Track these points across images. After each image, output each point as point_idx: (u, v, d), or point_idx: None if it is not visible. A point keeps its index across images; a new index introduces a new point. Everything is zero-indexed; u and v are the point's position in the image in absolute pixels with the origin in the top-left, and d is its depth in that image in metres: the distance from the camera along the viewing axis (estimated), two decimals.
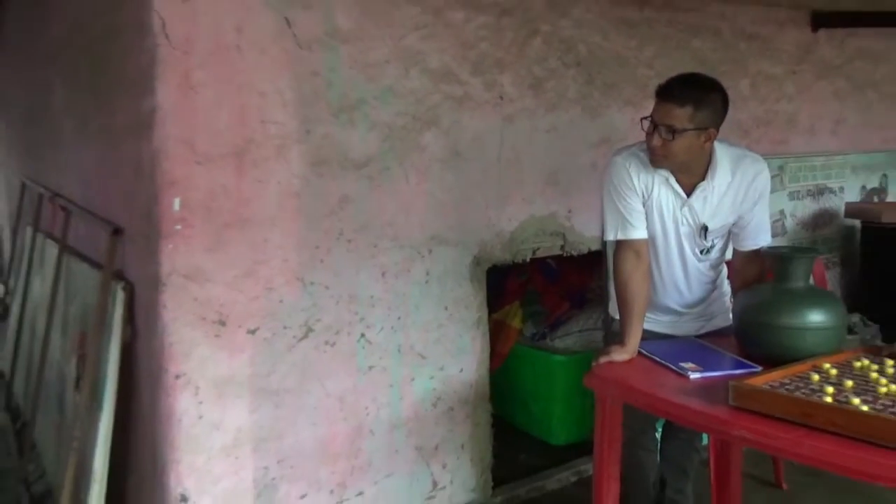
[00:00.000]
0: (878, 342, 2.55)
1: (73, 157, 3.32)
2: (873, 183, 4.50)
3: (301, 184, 2.38)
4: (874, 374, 1.79)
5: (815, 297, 2.04)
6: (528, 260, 2.99)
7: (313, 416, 2.47)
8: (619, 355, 2.11)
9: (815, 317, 1.97)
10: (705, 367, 1.99)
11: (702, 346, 2.24)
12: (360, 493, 2.59)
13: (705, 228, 2.23)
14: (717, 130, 2.10)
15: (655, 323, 2.34)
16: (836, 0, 3.25)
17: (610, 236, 2.24)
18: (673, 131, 2.03)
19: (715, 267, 2.36)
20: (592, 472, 2.19)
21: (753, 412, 1.66)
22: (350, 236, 2.50)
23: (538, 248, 2.99)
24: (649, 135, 2.09)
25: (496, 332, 3.41)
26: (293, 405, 2.42)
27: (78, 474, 2.41)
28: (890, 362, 1.87)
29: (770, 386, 1.73)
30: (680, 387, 1.89)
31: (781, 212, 3.98)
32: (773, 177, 3.74)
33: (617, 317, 2.35)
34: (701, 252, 2.29)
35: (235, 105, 2.24)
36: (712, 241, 2.28)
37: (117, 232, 2.50)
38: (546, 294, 3.79)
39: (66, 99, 3.38)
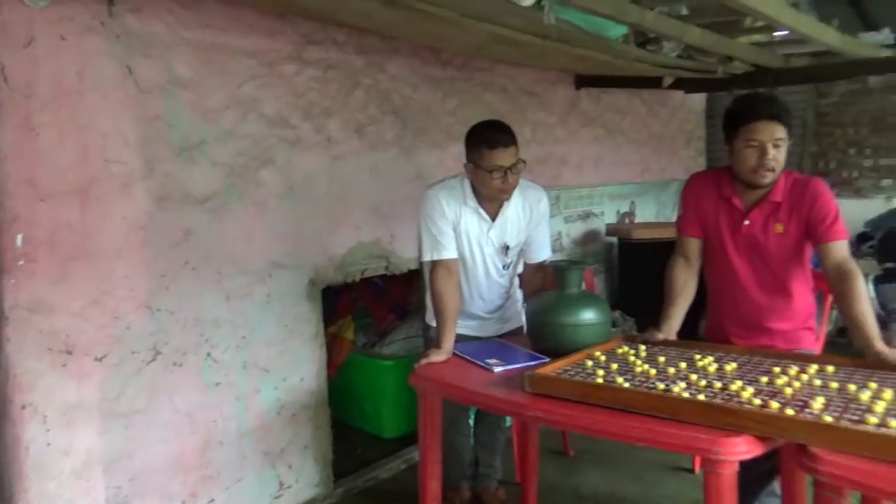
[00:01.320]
0: (634, 332, 2.84)
1: None
2: (625, 208, 4.87)
3: (146, 218, 2.23)
4: (632, 358, 1.94)
5: (587, 299, 2.17)
6: (357, 280, 3.01)
7: (163, 433, 2.31)
8: (437, 357, 2.17)
9: (588, 315, 2.10)
10: (506, 361, 2.07)
11: (502, 344, 2.34)
12: (212, 500, 2.45)
13: (507, 247, 2.38)
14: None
15: (465, 328, 2.43)
16: (592, 67, 3.57)
17: (426, 257, 2.32)
18: (522, 164, 2.22)
19: (511, 279, 2.52)
20: (419, 458, 2.24)
21: (545, 395, 1.74)
22: (195, 264, 2.38)
23: (366, 269, 3.01)
24: (501, 178, 2.19)
25: (332, 343, 3.38)
26: (143, 424, 2.25)
27: None
28: (643, 347, 2.05)
29: (556, 373, 1.82)
30: (487, 379, 1.96)
31: (559, 232, 4.22)
32: (551, 204, 4.04)
33: (433, 324, 2.42)
34: (503, 267, 2.42)
35: (78, 145, 2.06)
36: (512, 257, 2.43)
37: None
38: (374, 308, 3.81)
39: None
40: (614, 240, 4.60)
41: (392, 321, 3.73)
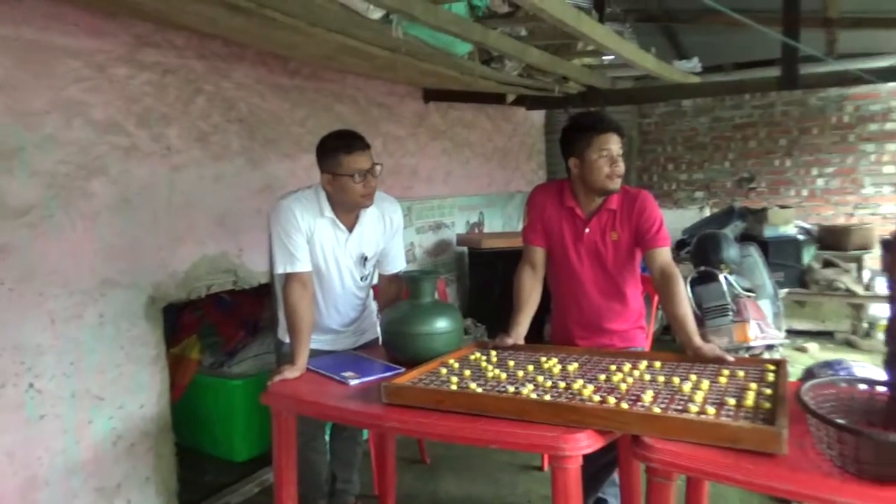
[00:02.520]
0: (485, 339, 2.93)
1: None
2: (474, 219, 5.02)
3: None
4: (484, 363, 2.01)
5: (440, 308, 2.21)
6: (203, 296, 2.84)
7: None
8: (291, 373, 2.11)
9: (441, 324, 2.14)
10: (362, 374, 2.05)
11: (358, 357, 2.32)
12: None
13: (365, 258, 2.36)
14: None
15: (319, 342, 2.37)
16: (440, 81, 3.67)
17: (279, 270, 2.24)
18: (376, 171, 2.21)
19: (367, 291, 2.50)
20: (273, 479, 2.15)
21: (401, 405, 1.75)
22: (12, 285, 2.13)
23: (212, 285, 2.86)
24: (363, 181, 2.17)
25: (175, 365, 3.15)
26: None
27: None
28: (494, 353, 2.12)
29: (411, 383, 1.84)
30: (343, 393, 1.94)
31: (412, 243, 4.26)
32: (404, 215, 4.09)
33: (286, 340, 2.35)
34: (361, 279, 2.40)
35: None
36: (370, 269, 2.42)
37: None
38: (222, 325, 3.62)
39: None
40: (465, 249, 4.71)
41: (242, 338, 3.57)
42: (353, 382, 2.00)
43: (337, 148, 2.19)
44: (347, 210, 2.28)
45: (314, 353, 2.27)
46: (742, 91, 5.79)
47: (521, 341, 2.23)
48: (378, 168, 2.22)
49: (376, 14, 2.27)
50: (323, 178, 2.23)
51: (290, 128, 3.29)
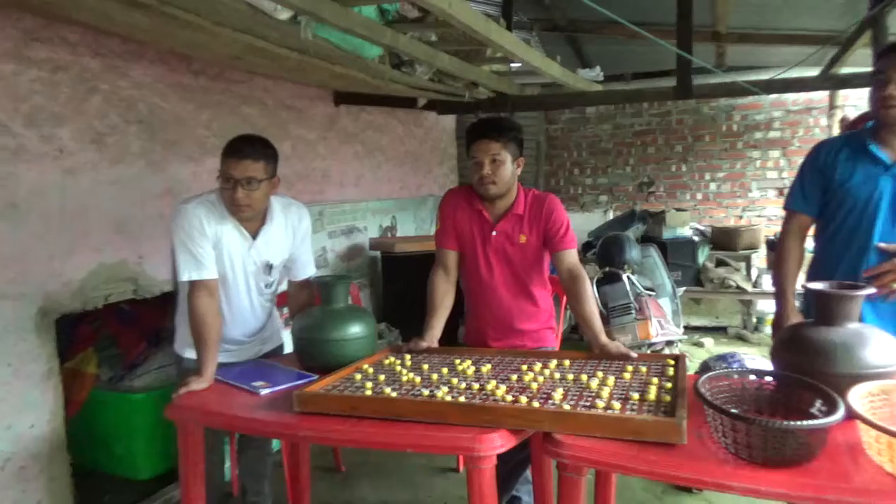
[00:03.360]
0: (399, 342, 2.93)
1: None
2: (387, 223, 5.01)
3: None
4: (398, 367, 2.00)
5: (353, 313, 2.18)
6: (100, 306, 2.68)
7: None
8: (198, 384, 2.02)
9: (354, 329, 2.12)
10: (273, 383, 2.00)
11: (268, 365, 2.26)
12: None
13: (270, 266, 2.30)
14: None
15: (225, 354, 2.27)
16: (350, 84, 3.64)
17: (184, 277, 2.14)
18: (257, 182, 2.08)
19: (273, 299, 2.44)
20: (180, 496, 2.06)
21: (315, 413, 1.71)
22: None
23: (110, 294, 2.70)
24: (231, 189, 2.07)
25: (70, 380, 2.96)
26: None
27: None
28: (408, 357, 2.12)
29: (325, 390, 1.81)
30: (253, 403, 1.88)
31: (324, 248, 4.20)
32: (314, 220, 4.03)
33: (185, 354, 2.25)
34: (266, 286, 2.34)
35: None
36: (275, 276, 2.35)
37: None
38: (122, 336, 3.42)
39: None
40: (378, 254, 4.70)
41: (144, 350, 3.39)
42: (264, 392, 1.94)
43: (225, 149, 2.11)
44: (232, 214, 2.17)
45: (218, 365, 2.17)
46: (641, 99, 6.08)
47: (435, 344, 2.24)
48: (256, 184, 2.08)
49: (284, 14, 2.23)
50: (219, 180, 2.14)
51: (193, 130, 3.16)
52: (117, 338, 3.42)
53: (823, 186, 2.05)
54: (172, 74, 3.03)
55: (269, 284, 2.34)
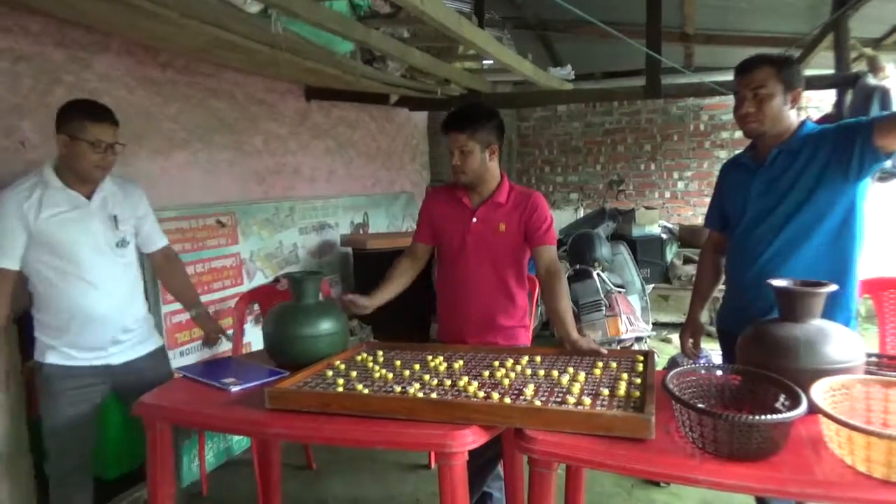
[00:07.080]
0: (372, 339, 2.92)
1: None
2: (359, 219, 4.96)
3: None
4: (370, 364, 2.00)
5: (324, 310, 2.15)
6: None
7: None
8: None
9: (325, 325, 2.09)
10: (243, 379, 1.98)
11: (238, 361, 2.24)
12: None
13: (115, 217, 2.22)
14: None
15: (89, 356, 2.23)
16: (322, 79, 3.60)
17: None
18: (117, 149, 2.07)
19: (130, 264, 2.32)
20: (147, 496, 2.03)
21: (286, 410, 1.70)
22: None
23: None
24: (101, 154, 2.06)
25: (33, 379, 2.88)
26: None
27: None
28: (381, 353, 2.12)
29: (296, 386, 1.80)
30: (223, 400, 1.86)
31: (294, 244, 4.14)
32: (286, 216, 3.98)
33: (45, 360, 2.22)
34: (117, 245, 2.23)
35: None
36: (124, 232, 2.26)
37: None
38: None
39: None
40: (349, 250, 4.66)
41: None
42: (235, 389, 1.92)
43: (84, 113, 2.06)
44: (80, 180, 2.12)
45: (76, 371, 2.14)
46: (611, 98, 6.15)
47: (371, 308, 2.28)
48: (119, 147, 2.11)
49: (254, 7, 2.20)
50: (59, 140, 2.07)
51: (161, 123, 3.10)
52: None
53: (721, 205, 2.20)
54: (139, 67, 2.97)
55: (120, 243, 2.25)
